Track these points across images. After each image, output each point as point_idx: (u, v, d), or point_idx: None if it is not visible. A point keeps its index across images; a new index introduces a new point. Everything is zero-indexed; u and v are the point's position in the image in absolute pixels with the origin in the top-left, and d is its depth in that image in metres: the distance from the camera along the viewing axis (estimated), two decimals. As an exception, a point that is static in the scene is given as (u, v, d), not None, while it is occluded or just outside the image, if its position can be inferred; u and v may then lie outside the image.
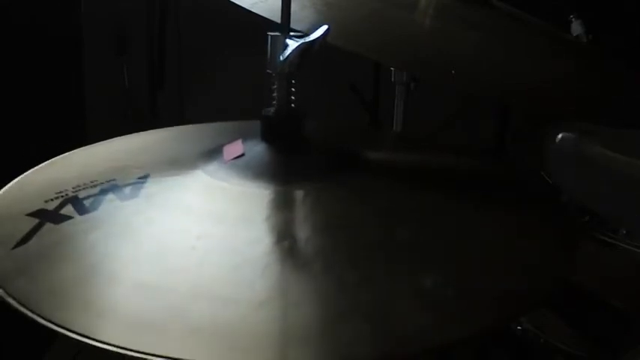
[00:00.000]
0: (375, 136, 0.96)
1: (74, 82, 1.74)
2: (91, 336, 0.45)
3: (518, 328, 1.00)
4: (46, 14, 1.54)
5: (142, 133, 0.78)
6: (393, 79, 1.04)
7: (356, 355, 0.44)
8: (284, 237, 0.55)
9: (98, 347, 0.45)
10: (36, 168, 0.69)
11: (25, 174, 0.67)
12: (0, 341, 1.36)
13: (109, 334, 0.45)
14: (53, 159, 0.70)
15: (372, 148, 0.71)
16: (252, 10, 0.77)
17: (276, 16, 0.65)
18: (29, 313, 0.48)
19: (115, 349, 0.44)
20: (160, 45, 1.92)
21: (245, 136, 0.66)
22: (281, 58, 0.63)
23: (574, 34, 1.10)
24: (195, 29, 1.96)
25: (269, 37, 0.64)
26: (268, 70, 0.64)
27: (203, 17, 1.93)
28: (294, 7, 0.64)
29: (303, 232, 0.56)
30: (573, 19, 1.11)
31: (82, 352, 1.38)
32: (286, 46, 0.63)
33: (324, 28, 0.62)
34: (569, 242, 0.59)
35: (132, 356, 0.44)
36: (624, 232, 0.90)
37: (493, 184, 0.70)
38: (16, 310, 0.48)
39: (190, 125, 0.81)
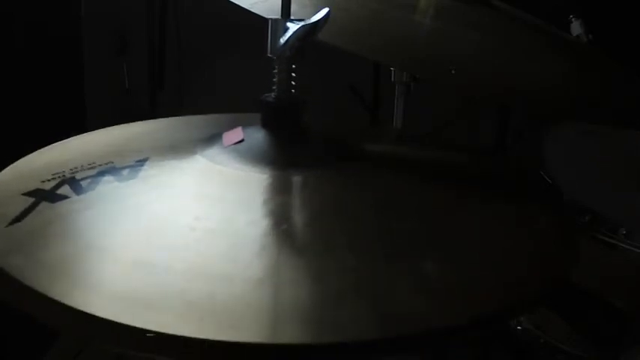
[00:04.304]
0: (375, 131, 0.96)
1: (74, 82, 1.74)
2: (87, 310, 0.44)
3: (518, 328, 1.00)
4: (46, 14, 1.54)
5: (141, 122, 0.77)
6: (393, 79, 1.04)
7: (351, 335, 0.44)
8: (282, 220, 0.55)
9: (92, 321, 0.44)
10: (33, 153, 0.68)
11: (22, 158, 0.67)
12: (0, 341, 1.36)
13: (105, 309, 0.44)
14: (51, 145, 0.70)
15: (371, 141, 0.71)
16: (252, 10, 0.77)
17: (275, 16, 0.65)
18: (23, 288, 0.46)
19: (109, 324, 0.43)
20: (160, 45, 1.92)
21: (245, 125, 0.66)
22: (281, 41, 0.62)
23: (574, 34, 1.10)
24: (195, 29, 1.96)
25: (269, 20, 0.63)
26: (269, 54, 0.63)
27: (203, 17, 1.93)
28: (293, 7, 0.64)
29: (300, 216, 0.56)
30: (573, 19, 1.11)
31: (83, 351, 1.38)
32: (287, 29, 0.62)
33: (325, 10, 0.61)
34: (569, 242, 0.59)
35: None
36: (624, 232, 0.90)
37: (493, 181, 0.70)
38: (10, 285, 0.47)
39: (190, 116, 0.81)
